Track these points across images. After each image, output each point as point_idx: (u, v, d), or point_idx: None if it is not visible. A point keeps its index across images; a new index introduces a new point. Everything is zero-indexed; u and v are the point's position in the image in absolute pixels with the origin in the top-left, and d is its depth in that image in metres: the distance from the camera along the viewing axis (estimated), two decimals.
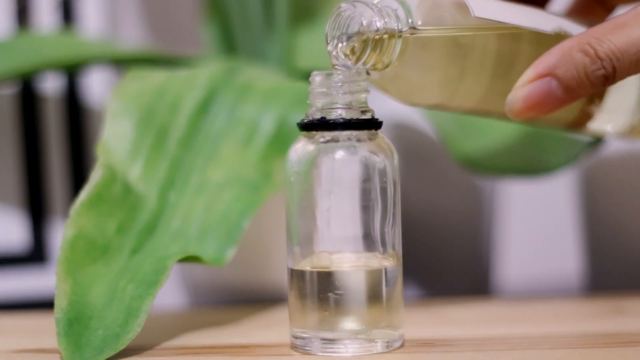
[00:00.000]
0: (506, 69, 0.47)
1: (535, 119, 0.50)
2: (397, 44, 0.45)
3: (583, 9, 0.55)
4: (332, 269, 0.45)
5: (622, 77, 0.45)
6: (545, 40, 0.47)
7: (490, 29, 0.47)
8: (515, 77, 0.46)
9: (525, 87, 0.45)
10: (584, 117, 0.51)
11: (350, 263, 0.45)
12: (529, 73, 0.45)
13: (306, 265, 0.45)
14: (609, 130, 0.53)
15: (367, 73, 0.46)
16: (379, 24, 0.45)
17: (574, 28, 0.48)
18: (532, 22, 0.47)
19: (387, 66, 0.46)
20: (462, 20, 0.46)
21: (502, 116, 0.48)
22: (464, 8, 0.46)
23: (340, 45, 0.45)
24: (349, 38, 0.45)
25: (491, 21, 0.46)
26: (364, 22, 0.45)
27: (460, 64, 0.46)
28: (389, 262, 0.45)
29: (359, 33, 0.45)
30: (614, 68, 0.45)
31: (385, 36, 0.45)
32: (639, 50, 0.44)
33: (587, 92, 0.45)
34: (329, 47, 0.46)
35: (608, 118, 0.52)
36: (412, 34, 0.45)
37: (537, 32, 0.47)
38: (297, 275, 0.46)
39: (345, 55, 0.45)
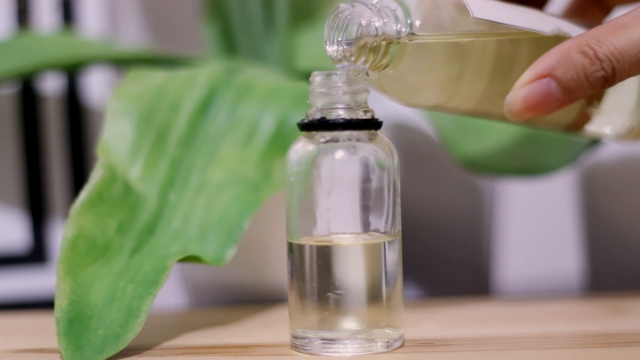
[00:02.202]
0: (505, 70, 0.47)
1: (534, 121, 0.50)
2: (396, 48, 0.45)
3: (580, 10, 0.55)
4: (332, 242, 0.45)
5: (622, 78, 0.45)
6: (544, 42, 0.47)
7: (489, 33, 0.47)
8: (514, 78, 0.46)
9: (524, 87, 0.45)
10: (583, 119, 0.51)
11: (350, 242, 0.45)
12: (528, 74, 0.45)
13: (306, 241, 0.45)
14: (607, 132, 0.53)
15: (366, 74, 0.46)
16: (377, 24, 0.45)
17: (573, 29, 0.48)
18: (531, 24, 0.47)
19: (385, 67, 0.46)
20: (461, 20, 0.46)
21: (501, 117, 0.48)
22: (462, 8, 0.45)
23: (339, 48, 0.45)
24: (348, 43, 0.45)
25: (490, 22, 0.46)
26: (363, 23, 0.45)
27: (459, 65, 0.46)
28: (388, 238, 0.45)
29: (357, 38, 0.45)
30: (613, 69, 0.45)
31: (384, 42, 0.45)
32: (639, 52, 0.44)
33: (586, 94, 0.45)
34: (328, 49, 0.46)
35: (607, 120, 0.52)
36: (410, 39, 0.45)
37: (536, 34, 0.47)
38: (296, 252, 0.45)
39: (344, 56, 0.45)
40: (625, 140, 0.54)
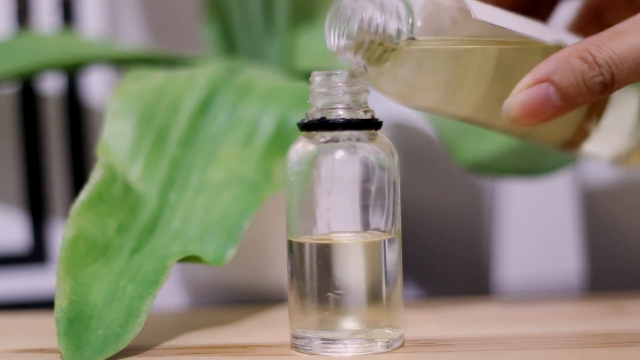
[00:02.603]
0: (505, 75, 0.47)
1: (532, 135, 0.49)
2: (394, 53, 0.45)
3: (581, 28, 0.55)
4: (332, 241, 0.45)
5: (621, 85, 0.45)
6: (544, 50, 0.47)
7: (489, 41, 0.46)
8: (514, 84, 0.46)
9: (522, 92, 0.45)
10: (581, 135, 0.51)
11: (349, 240, 0.45)
12: (527, 79, 0.45)
13: (306, 239, 0.45)
14: (605, 152, 0.52)
15: (365, 69, 0.46)
16: (379, 20, 0.45)
17: (573, 40, 0.48)
18: (531, 31, 0.47)
19: (385, 62, 0.46)
20: (463, 24, 0.46)
21: (500, 127, 0.48)
22: (464, 12, 0.45)
23: (340, 41, 0.45)
24: (349, 37, 0.45)
25: (491, 25, 0.46)
26: (365, 17, 0.45)
27: (458, 68, 0.46)
28: (388, 237, 0.45)
29: (358, 32, 0.45)
30: (612, 75, 0.44)
31: (380, 47, 0.45)
32: (638, 57, 0.44)
33: (585, 100, 0.45)
34: (328, 42, 0.46)
35: (605, 138, 0.51)
36: (408, 45, 0.45)
37: (536, 41, 0.47)
38: (296, 251, 0.45)
39: (344, 49, 0.45)
40: (624, 165, 0.53)
